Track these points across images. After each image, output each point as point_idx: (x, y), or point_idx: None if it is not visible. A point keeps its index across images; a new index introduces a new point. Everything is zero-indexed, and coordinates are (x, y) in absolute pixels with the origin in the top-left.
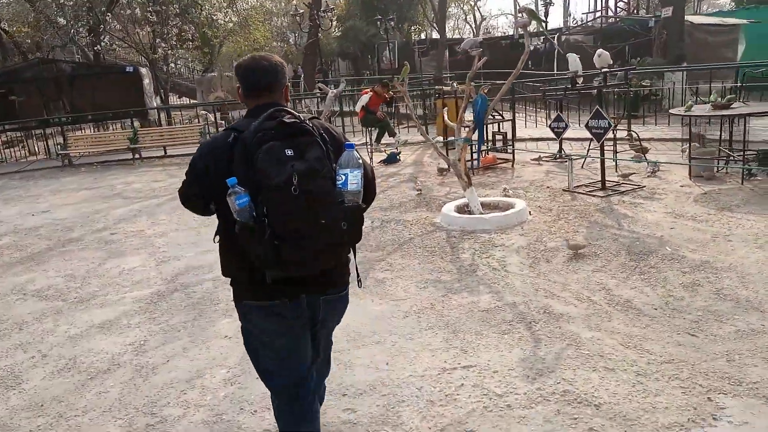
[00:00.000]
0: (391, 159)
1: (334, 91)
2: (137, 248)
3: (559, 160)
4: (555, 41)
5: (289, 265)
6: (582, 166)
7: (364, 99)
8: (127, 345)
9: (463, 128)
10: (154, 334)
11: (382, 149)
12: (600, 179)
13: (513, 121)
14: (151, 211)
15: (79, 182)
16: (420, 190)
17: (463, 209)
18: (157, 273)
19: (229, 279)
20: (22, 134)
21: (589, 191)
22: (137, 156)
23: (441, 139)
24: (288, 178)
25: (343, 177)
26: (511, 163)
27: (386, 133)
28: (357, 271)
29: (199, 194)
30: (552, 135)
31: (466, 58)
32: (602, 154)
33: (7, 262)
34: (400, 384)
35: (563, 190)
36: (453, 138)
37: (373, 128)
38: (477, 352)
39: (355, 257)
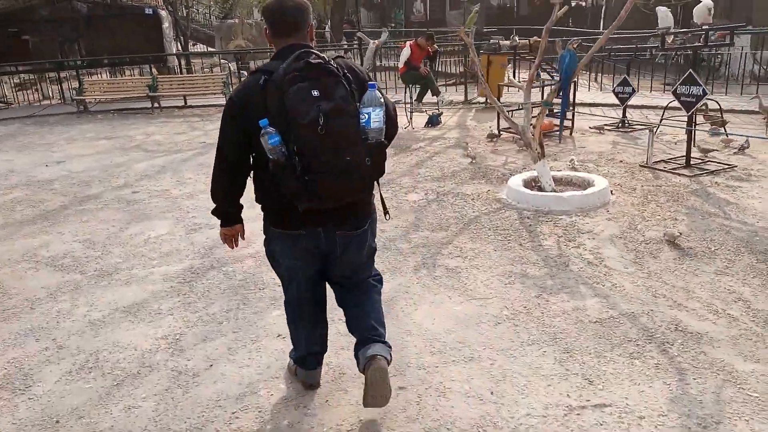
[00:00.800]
0: (433, 121)
1: (376, 42)
2: (163, 211)
3: (622, 129)
4: None
5: (319, 198)
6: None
7: (406, 53)
8: (159, 339)
9: (520, 90)
10: (191, 325)
11: (424, 109)
12: (684, 155)
13: (575, 82)
14: (175, 168)
15: (96, 131)
16: (473, 158)
17: (531, 184)
18: (188, 244)
19: (260, 206)
20: (35, 77)
21: (672, 169)
22: (156, 105)
23: (481, 100)
24: (315, 118)
25: (366, 115)
26: (569, 130)
27: (429, 92)
28: (383, 203)
29: (235, 142)
30: (615, 101)
31: (503, 12)
32: (691, 125)
33: (18, 220)
34: (517, 427)
35: (640, 165)
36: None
37: (414, 85)
38: (606, 383)
39: (380, 192)
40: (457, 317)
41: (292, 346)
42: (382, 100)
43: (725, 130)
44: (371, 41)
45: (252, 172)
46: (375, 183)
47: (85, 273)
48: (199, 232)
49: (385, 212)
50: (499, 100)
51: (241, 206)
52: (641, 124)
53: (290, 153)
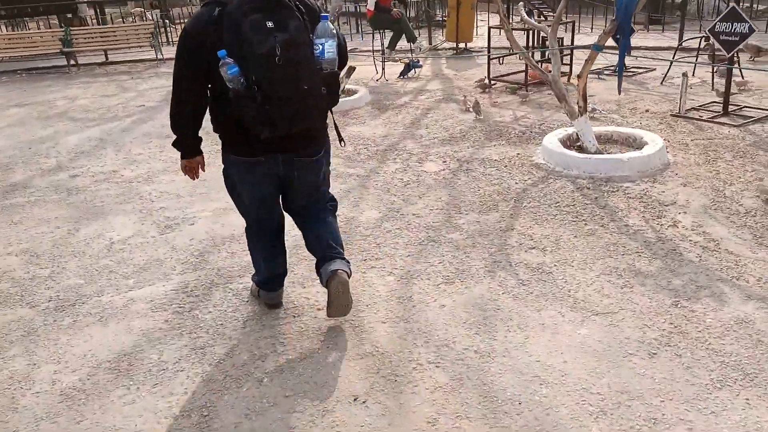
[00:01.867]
0: (410, 68)
1: None
2: (119, 202)
3: (625, 74)
4: None
5: (278, 126)
6: (662, 83)
7: None
8: (178, 418)
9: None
10: (219, 388)
11: (397, 58)
12: (722, 102)
13: (574, 23)
14: (116, 141)
15: (5, 96)
16: (477, 113)
17: (568, 144)
18: (169, 249)
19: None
20: None
21: (711, 118)
22: (73, 62)
23: (448, 46)
24: (271, 48)
25: (320, 46)
26: (567, 77)
27: (403, 38)
28: (338, 130)
29: (193, 74)
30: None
31: None
32: (734, 62)
33: None
34: None
35: (672, 115)
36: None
37: (384, 31)
38: None
39: (333, 120)
40: (591, 348)
41: (254, 271)
42: (334, 31)
43: (740, 72)
44: None
45: (209, 103)
46: (329, 111)
47: (36, 305)
48: (178, 231)
49: (340, 139)
50: (461, 43)
51: (200, 138)
52: (639, 68)
53: (249, 83)
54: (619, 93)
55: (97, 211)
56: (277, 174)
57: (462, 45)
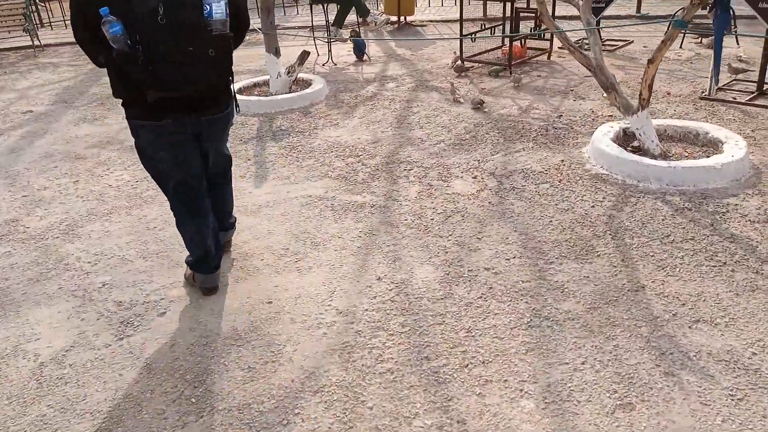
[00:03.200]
0: (361, 47)
1: None
2: (34, 280)
3: (605, 47)
4: None
5: (163, 86)
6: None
7: None
8: None
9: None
10: None
11: (346, 37)
12: (756, 81)
13: None
14: (4, 168)
15: None
16: (480, 103)
17: (620, 140)
18: (143, 374)
19: (120, 101)
20: None
21: (749, 101)
22: None
23: (389, 19)
24: (155, 7)
25: (208, 7)
26: (547, 54)
27: (352, 12)
28: (235, 98)
29: (85, 28)
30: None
31: None
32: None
33: None
34: None
35: (701, 98)
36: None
37: (327, 4)
38: None
39: (233, 84)
40: None
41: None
42: None
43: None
44: None
45: (106, 63)
46: (229, 72)
47: None
48: (143, 331)
49: (236, 105)
50: (404, 17)
51: None
52: (616, 41)
53: (134, 42)
54: (716, 84)
55: (4, 298)
56: (186, 134)
57: (403, 19)
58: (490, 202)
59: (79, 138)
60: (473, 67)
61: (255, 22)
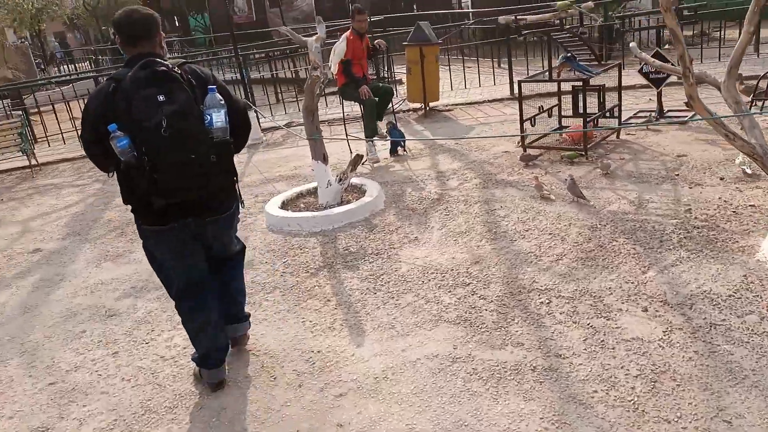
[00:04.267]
0: (399, 144)
1: (316, 38)
2: None
3: (674, 121)
4: None
5: (167, 193)
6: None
7: (340, 49)
8: None
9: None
10: None
11: (383, 130)
12: None
13: (620, 66)
14: (18, 340)
15: None
16: (579, 196)
17: None
18: None
19: (130, 207)
20: None
21: None
22: None
23: (413, 105)
24: (159, 121)
25: (209, 117)
26: (616, 133)
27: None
28: (239, 194)
29: (97, 143)
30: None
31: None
32: None
33: None
34: None
35: None
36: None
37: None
38: None
39: (237, 183)
40: None
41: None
42: (222, 102)
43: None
44: (308, 38)
45: (116, 174)
46: (232, 174)
47: None
48: None
49: (241, 202)
50: (428, 103)
51: None
52: (676, 111)
53: (140, 154)
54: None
55: None
56: (191, 236)
57: (429, 104)
58: (695, 352)
59: (104, 284)
60: (541, 154)
61: (279, 117)
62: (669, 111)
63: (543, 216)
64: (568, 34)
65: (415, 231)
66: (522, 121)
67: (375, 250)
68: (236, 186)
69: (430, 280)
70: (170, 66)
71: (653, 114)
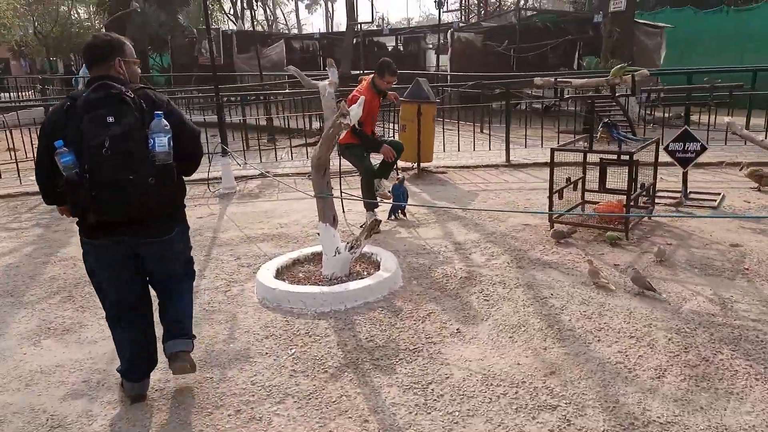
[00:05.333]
0: (398, 207)
1: (330, 83)
2: None
3: (697, 205)
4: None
5: (103, 210)
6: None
7: (356, 114)
8: None
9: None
10: None
11: (388, 190)
12: None
13: (658, 141)
14: None
15: None
16: (647, 288)
17: None
18: None
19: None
20: None
21: None
22: None
23: (403, 165)
24: (102, 141)
25: (152, 140)
26: (648, 212)
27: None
28: (179, 222)
29: (49, 158)
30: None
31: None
32: None
33: None
34: None
35: None
36: None
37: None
38: None
39: (183, 209)
40: None
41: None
42: (168, 127)
43: None
44: (319, 82)
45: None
46: (175, 199)
47: None
48: None
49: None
50: (420, 164)
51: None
52: (697, 193)
53: (83, 171)
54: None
55: None
56: (126, 255)
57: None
58: None
59: (45, 376)
60: (575, 231)
61: (253, 165)
62: (691, 193)
63: (610, 311)
64: (611, 102)
65: (453, 320)
66: (552, 193)
67: (409, 345)
68: (181, 212)
69: (498, 397)
70: (124, 90)
71: (681, 196)
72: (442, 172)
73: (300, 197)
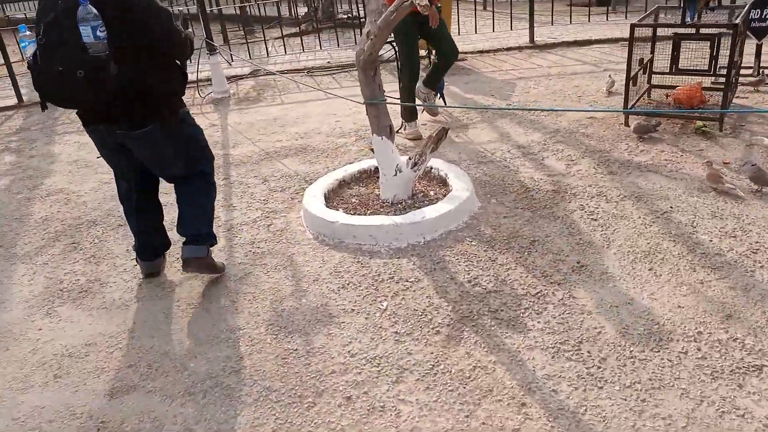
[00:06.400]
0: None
1: None
2: None
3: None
4: None
5: (50, 99)
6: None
7: None
8: None
9: None
10: None
11: (437, 100)
12: None
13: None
14: None
15: None
16: None
17: None
18: None
19: None
20: None
21: None
22: None
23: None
24: (39, 28)
25: (80, 30)
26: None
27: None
28: (157, 115)
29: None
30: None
31: None
32: None
33: None
34: None
35: None
36: None
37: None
38: None
39: (161, 104)
40: None
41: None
42: (95, 15)
43: None
44: None
45: None
46: (142, 93)
47: None
48: None
49: (167, 121)
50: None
51: None
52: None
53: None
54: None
55: None
56: (107, 143)
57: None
58: None
59: (76, 361)
60: (660, 123)
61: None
62: (764, 69)
63: (754, 225)
64: None
65: (566, 250)
66: (628, 80)
67: (528, 288)
68: (160, 105)
69: (680, 358)
70: None
71: (761, 73)
72: (462, 59)
73: (308, 99)
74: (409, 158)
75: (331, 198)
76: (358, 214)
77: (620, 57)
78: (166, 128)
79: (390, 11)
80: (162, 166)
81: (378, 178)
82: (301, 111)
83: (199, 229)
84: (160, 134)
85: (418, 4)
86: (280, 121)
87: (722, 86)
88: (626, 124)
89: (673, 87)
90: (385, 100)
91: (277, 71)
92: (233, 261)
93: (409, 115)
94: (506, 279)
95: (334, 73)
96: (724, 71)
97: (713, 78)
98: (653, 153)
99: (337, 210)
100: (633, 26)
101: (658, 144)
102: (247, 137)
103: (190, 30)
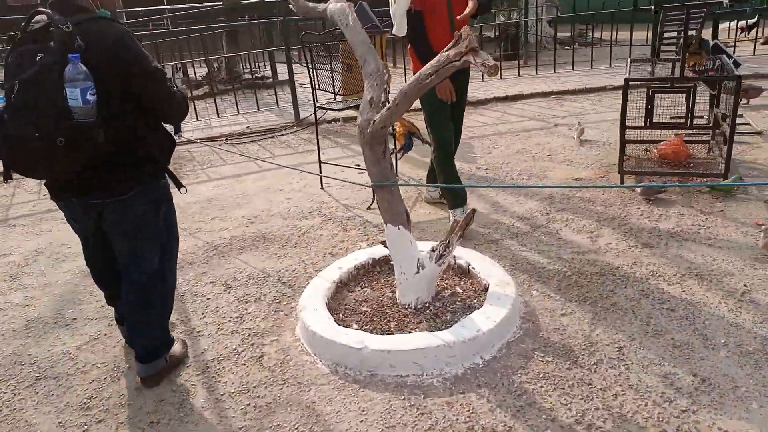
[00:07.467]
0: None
1: None
2: None
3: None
4: None
5: (16, 168)
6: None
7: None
8: None
9: None
10: None
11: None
12: None
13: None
14: None
15: None
16: None
17: None
18: None
19: None
20: None
21: None
22: None
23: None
24: (11, 85)
25: (67, 91)
26: (708, 148)
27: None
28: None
29: None
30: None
31: None
32: None
33: None
34: None
35: None
36: None
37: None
38: None
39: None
40: None
41: None
42: (85, 75)
43: None
44: (327, 4)
45: None
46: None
47: None
48: None
49: (179, 186)
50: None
51: None
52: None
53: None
54: None
55: None
56: (77, 219)
57: None
58: None
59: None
60: (665, 184)
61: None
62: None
63: None
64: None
65: (667, 357)
66: (623, 142)
67: (655, 420)
68: (147, 167)
69: None
70: (57, 20)
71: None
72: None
73: (240, 172)
74: (432, 249)
75: (333, 307)
76: (382, 331)
77: (563, 111)
78: (149, 193)
79: (425, 73)
80: (126, 254)
81: (382, 271)
82: (237, 188)
83: (144, 342)
84: (142, 201)
85: (484, 62)
86: (216, 202)
87: (706, 141)
88: (621, 181)
89: (649, 141)
90: (399, 182)
91: (198, 139)
92: (228, 426)
93: (457, 199)
94: (622, 411)
95: (258, 140)
96: (700, 122)
97: (689, 130)
98: (674, 218)
99: (350, 327)
100: (626, 81)
101: (672, 207)
102: (182, 227)
103: (184, 86)
